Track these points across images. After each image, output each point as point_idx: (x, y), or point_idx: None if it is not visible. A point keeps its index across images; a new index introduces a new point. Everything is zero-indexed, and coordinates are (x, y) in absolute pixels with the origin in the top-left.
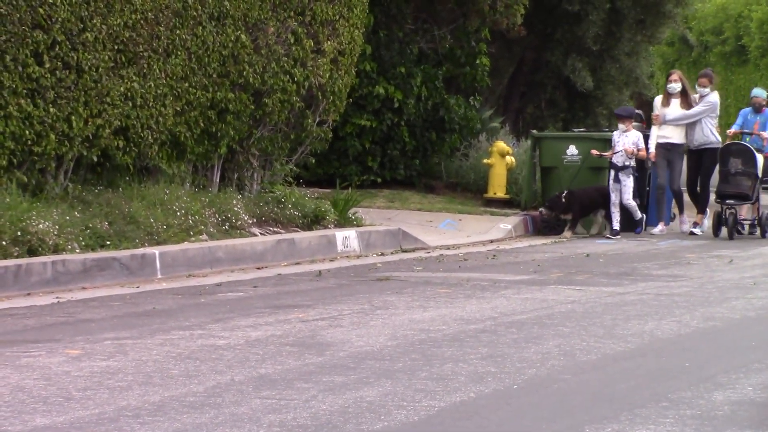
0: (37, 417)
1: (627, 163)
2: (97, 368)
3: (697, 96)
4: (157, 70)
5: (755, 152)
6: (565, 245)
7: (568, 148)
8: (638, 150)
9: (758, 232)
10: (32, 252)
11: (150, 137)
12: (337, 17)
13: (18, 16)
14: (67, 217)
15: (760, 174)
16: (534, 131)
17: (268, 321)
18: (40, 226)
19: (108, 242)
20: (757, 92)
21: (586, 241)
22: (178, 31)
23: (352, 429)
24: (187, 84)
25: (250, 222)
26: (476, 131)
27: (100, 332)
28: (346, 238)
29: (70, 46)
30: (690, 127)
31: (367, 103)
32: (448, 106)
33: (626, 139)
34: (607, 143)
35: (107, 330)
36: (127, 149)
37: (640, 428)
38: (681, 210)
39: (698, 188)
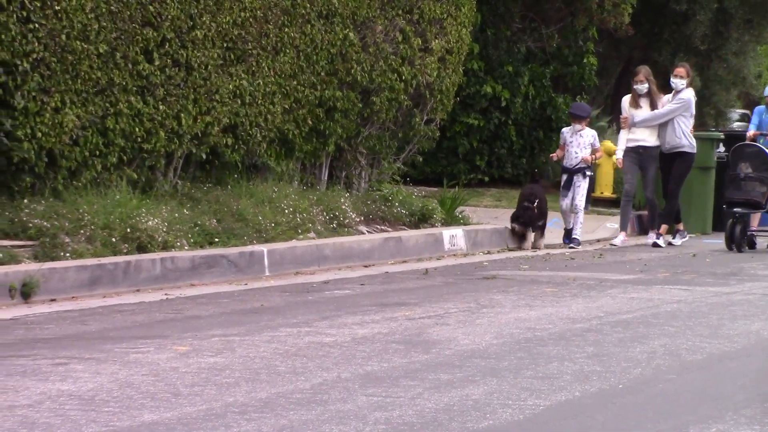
0: (145, 413)
1: (582, 165)
2: (205, 365)
3: (669, 95)
4: (266, 68)
5: None
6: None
7: None
8: (595, 151)
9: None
10: (141, 249)
11: (259, 135)
12: (445, 16)
13: (128, 13)
14: (176, 214)
15: None
16: None
17: (375, 319)
18: (150, 223)
19: (216, 239)
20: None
21: (692, 240)
22: (286, 29)
23: (457, 427)
24: (295, 82)
25: (358, 220)
26: None
27: (208, 329)
28: (453, 236)
29: (179, 44)
30: (662, 128)
31: (474, 101)
32: (556, 105)
33: (581, 139)
34: (714, 143)
35: (215, 327)
36: (236, 147)
37: (745, 429)
38: (653, 220)
39: (666, 197)
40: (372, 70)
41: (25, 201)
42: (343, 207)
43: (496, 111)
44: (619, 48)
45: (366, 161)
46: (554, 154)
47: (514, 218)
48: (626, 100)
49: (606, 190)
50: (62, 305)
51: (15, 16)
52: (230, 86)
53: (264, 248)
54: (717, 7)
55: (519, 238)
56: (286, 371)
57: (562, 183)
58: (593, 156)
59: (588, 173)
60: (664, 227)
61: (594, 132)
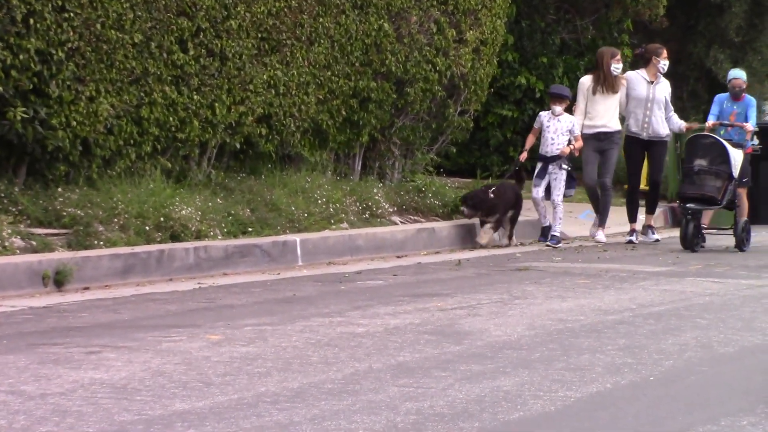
0: (176, 401)
1: (559, 154)
2: (237, 354)
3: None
4: (300, 59)
5: (728, 147)
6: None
7: None
8: (575, 139)
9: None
10: (175, 238)
11: (292, 125)
12: (480, 7)
13: (163, 3)
14: (210, 204)
15: (736, 173)
16: None
17: (407, 309)
18: (183, 212)
19: (250, 229)
20: (738, 73)
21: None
22: (321, 20)
23: (488, 418)
24: (329, 72)
25: (391, 211)
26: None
27: (241, 318)
28: (487, 228)
29: (214, 34)
30: (644, 113)
31: (508, 93)
32: None
33: (558, 124)
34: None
35: (248, 316)
36: (270, 137)
37: None
38: (605, 211)
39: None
40: (406, 61)
41: (60, 189)
42: (377, 197)
43: (530, 102)
44: (653, 40)
45: (399, 152)
46: (522, 155)
47: (463, 200)
48: (587, 80)
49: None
50: (95, 293)
51: (50, 5)
52: (264, 76)
53: (297, 238)
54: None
55: (481, 224)
56: (318, 361)
57: (536, 171)
58: (572, 146)
59: (565, 166)
60: (649, 217)
61: (573, 118)
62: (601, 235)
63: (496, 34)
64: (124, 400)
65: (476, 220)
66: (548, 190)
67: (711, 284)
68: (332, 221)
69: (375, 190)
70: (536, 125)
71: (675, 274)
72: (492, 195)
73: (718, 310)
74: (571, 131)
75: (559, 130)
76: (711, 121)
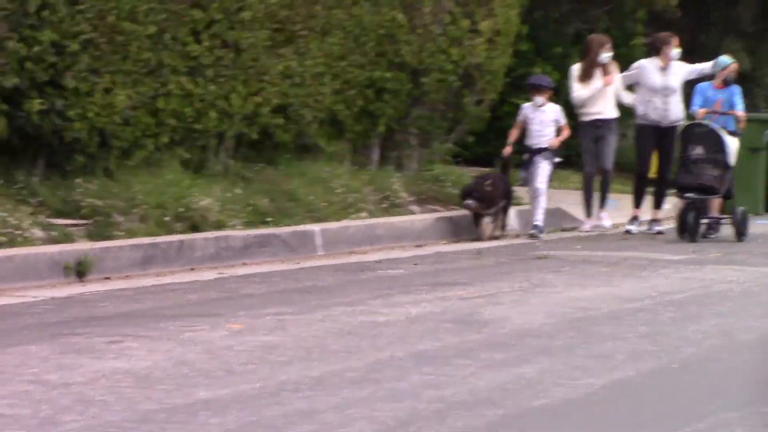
0: (199, 390)
1: (545, 145)
2: (258, 343)
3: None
4: (315, 49)
5: (724, 135)
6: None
7: None
8: (561, 129)
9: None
10: (195, 228)
11: (309, 115)
12: None
13: None
14: (229, 194)
15: (732, 161)
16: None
17: (428, 298)
18: (203, 202)
19: (269, 219)
20: (727, 60)
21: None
22: (334, 11)
23: (511, 405)
24: (344, 63)
25: (410, 200)
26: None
27: (261, 307)
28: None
29: (228, 25)
30: (665, 99)
31: (523, 83)
32: None
33: (543, 115)
34: (765, 125)
35: (268, 305)
36: (287, 127)
37: None
38: (605, 198)
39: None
40: (421, 51)
41: (78, 180)
42: (395, 187)
43: None
44: (667, 30)
45: (416, 141)
46: (506, 149)
47: (467, 193)
48: (576, 69)
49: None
50: (116, 284)
51: None
52: (279, 67)
53: (316, 228)
54: None
55: (475, 222)
56: (339, 350)
57: (523, 163)
58: (561, 138)
59: (555, 159)
60: (656, 212)
61: (558, 107)
62: (606, 220)
63: (510, 25)
64: (147, 389)
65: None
66: None
67: (731, 272)
68: (351, 211)
69: (393, 180)
70: (519, 118)
71: (695, 262)
72: (490, 187)
73: (739, 298)
74: (557, 120)
75: (544, 121)
76: (700, 109)
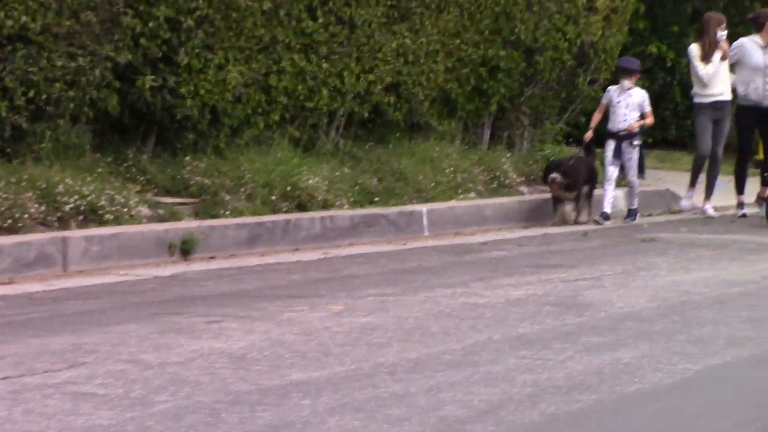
0: (293, 372)
1: (632, 132)
2: (357, 324)
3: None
4: (429, 27)
5: None
6: None
7: None
8: (645, 116)
9: None
10: (301, 207)
11: (421, 94)
12: None
13: None
14: (337, 173)
15: None
16: None
17: (530, 280)
18: (310, 181)
19: (376, 199)
20: None
21: None
22: None
23: (605, 390)
24: (458, 41)
25: (519, 181)
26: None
27: (363, 288)
28: (614, 198)
29: (343, 2)
30: (764, 79)
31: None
32: None
33: (629, 99)
34: None
35: (370, 286)
36: (398, 105)
37: None
38: (711, 187)
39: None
40: (536, 29)
41: (188, 158)
42: (504, 167)
43: (661, 72)
44: None
45: (528, 121)
46: (588, 133)
47: (552, 168)
48: (695, 49)
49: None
50: (220, 263)
51: None
52: (393, 44)
53: (423, 208)
54: None
55: (555, 206)
56: (438, 332)
57: (610, 151)
58: (642, 122)
59: (636, 142)
60: (765, 189)
61: (644, 93)
62: (710, 210)
63: (627, 2)
64: (241, 370)
65: (603, 190)
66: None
67: None
68: (459, 191)
69: (503, 160)
70: (604, 100)
71: None
72: (575, 166)
73: None
74: (641, 105)
75: (630, 105)
76: None
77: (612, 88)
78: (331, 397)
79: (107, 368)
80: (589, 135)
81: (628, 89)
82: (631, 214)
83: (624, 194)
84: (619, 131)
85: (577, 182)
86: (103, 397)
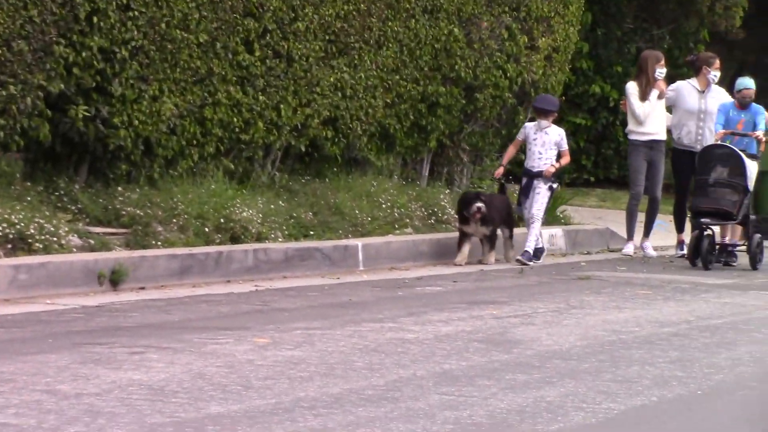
0: (212, 404)
1: (545, 169)
2: (282, 357)
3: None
4: (368, 62)
5: (745, 158)
6: None
7: None
8: (562, 155)
9: (733, 261)
10: (235, 239)
11: (359, 128)
12: (552, 14)
13: (230, 3)
14: (272, 206)
15: (751, 186)
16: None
17: (461, 316)
18: (244, 214)
19: (311, 232)
20: (747, 83)
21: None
22: (390, 23)
23: (527, 429)
24: (398, 76)
25: (457, 217)
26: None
27: (292, 322)
28: (553, 236)
29: (281, 35)
30: (701, 123)
31: (582, 101)
32: None
33: (546, 137)
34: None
35: (299, 320)
36: (336, 140)
37: None
38: (650, 226)
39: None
40: (476, 67)
41: (120, 188)
42: (443, 203)
43: (604, 111)
44: (731, 51)
45: (468, 158)
46: (498, 170)
47: (475, 197)
48: (633, 87)
49: None
50: (150, 294)
51: (114, 3)
52: (331, 79)
53: (359, 242)
54: None
55: (460, 242)
56: (362, 367)
57: (521, 187)
58: (558, 164)
59: (554, 186)
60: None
61: (561, 131)
62: (650, 249)
63: (569, 42)
64: (159, 402)
65: (542, 229)
66: None
67: None
68: (396, 226)
69: (441, 196)
70: (520, 137)
71: (738, 287)
72: (491, 201)
73: None
74: (558, 144)
75: (546, 143)
76: (719, 130)
77: (529, 125)
78: (248, 431)
79: (22, 398)
80: (500, 171)
81: (546, 128)
82: (525, 254)
83: (562, 232)
84: (533, 169)
85: (493, 218)
86: (16, 427)
